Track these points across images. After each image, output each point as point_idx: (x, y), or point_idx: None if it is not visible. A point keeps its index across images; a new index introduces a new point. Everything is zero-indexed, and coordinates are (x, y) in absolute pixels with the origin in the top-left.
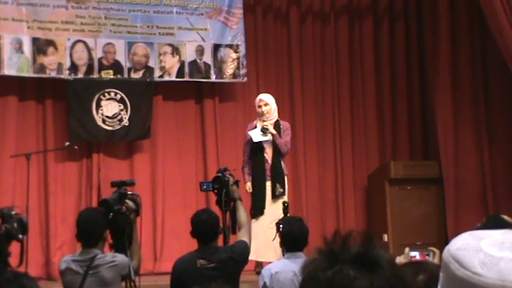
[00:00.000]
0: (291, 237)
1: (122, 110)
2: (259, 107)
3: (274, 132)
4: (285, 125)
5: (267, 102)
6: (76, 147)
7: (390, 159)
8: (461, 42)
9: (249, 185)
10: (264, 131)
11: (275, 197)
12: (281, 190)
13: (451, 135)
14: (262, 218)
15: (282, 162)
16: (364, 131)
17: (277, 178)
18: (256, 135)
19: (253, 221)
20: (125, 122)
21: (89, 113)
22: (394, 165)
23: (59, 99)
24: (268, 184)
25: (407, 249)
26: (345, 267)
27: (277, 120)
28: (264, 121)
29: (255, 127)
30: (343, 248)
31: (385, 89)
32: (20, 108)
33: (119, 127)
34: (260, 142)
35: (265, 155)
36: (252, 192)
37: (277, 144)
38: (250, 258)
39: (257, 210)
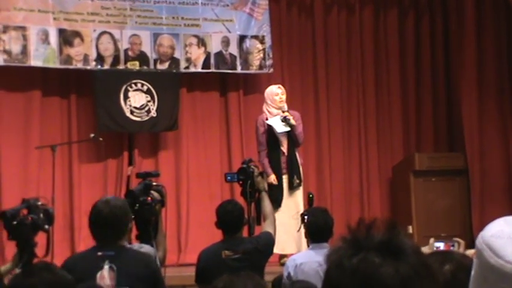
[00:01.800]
0: (316, 228)
1: (149, 101)
2: (277, 94)
3: (294, 122)
4: (295, 114)
5: (284, 91)
6: (101, 138)
7: (415, 151)
8: (486, 34)
9: (273, 177)
10: (287, 121)
11: (292, 188)
12: (298, 181)
13: (476, 127)
14: (280, 210)
15: (297, 153)
16: (389, 123)
17: (294, 170)
18: (278, 126)
19: None
20: (153, 113)
21: (117, 104)
22: (419, 157)
23: (84, 92)
24: (285, 177)
25: (432, 240)
26: (369, 255)
27: (287, 110)
28: (284, 111)
29: (267, 119)
30: (368, 236)
31: (410, 80)
32: (45, 100)
33: (147, 118)
34: (275, 134)
35: (281, 147)
36: (269, 185)
37: (295, 135)
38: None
39: (274, 203)
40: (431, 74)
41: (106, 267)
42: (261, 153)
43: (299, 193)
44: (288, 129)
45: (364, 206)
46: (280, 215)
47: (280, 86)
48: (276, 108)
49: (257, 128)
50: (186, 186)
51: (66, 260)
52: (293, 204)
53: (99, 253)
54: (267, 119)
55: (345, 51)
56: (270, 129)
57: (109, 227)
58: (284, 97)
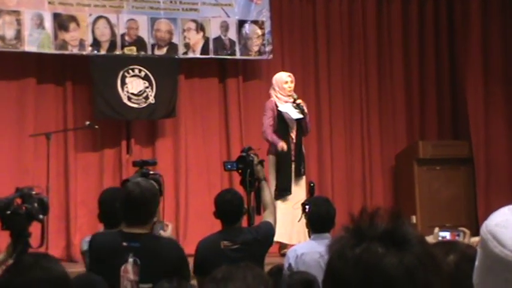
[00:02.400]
0: (318, 218)
1: (147, 87)
2: (286, 83)
3: (306, 111)
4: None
5: (293, 79)
6: (96, 126)
7: (418, 139)
8: (492, 21)
9: (282, 143)
10: (300, 108)
11: (300, 175)
12: (303, 170)
13: (482, 114)
14: (289, 198)
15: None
16: (392, 110)
17: (301, 158)
18: (293, 112)
19: (279, 202)
20: (151, 100)
21: (113, 90)
22: (423, 145)
23: (80, 78)
24: (292, 165)
25: (436, 229)
26: (373, 245)
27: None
28: (296, 98)
29: (276, 106)
30: (371, 225)
31: (413, 67)
32: (40, 87)
33: (144, 105)
34: (285, 121)
35: (291, 134)
36: (278, 172)
37: (306, 123)
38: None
39: (284, 190)
40: (435, 60)
41: (130, 260)
42: (267, 130)
43: (303, 182)
44: (302, 116)
45: (366, 196)
46: (284, 203)
47: (290, 74)
48: (284, 96)
49: (266, 111)
50: (185, 175)
51: (92, 241)
52: (298, 194)
53: (125, 243)
54: (277, 106)
55: (347, 37)
56: (280, 116)
57: (140, 208)
58: (293, 86)
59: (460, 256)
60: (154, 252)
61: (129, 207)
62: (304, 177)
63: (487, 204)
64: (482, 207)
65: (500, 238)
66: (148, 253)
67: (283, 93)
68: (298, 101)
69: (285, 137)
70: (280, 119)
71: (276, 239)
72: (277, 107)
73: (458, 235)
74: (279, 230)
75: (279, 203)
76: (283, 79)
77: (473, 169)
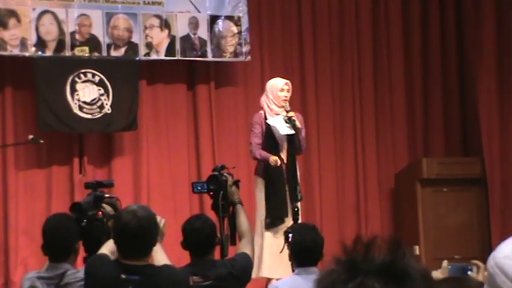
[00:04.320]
0: (303, 248)
1: (102, 94)
2: (282, 91)
3: (299, 126)
4: (298, 116)
5: (291, 88)
6: (42, 141)
7: (422, 156)
8: (507, 17)
9: (274, 158)
10: (291, 122)
11: (295, 201)
12: (300, 194)
13: (496, 126)
14: (280, 227)
15: (296, 162)
16: (391, 122)
17: (295, 181)
18: (281, 127)
19: (268, 232)
20: (107, 109)
21: (61, 98)
22: (427, 162)
23: (22, 84)
24: (286, 189)
25: (445, 263)
26: (368, 280)
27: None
28: (288, 111)
29: (265, 118)
30: (366, 257)
31: (416, 70)
32: None
33: (99, 115)
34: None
35: (281, 153)
36: (268, 197)
37: (299, 140)
38: (263, 274)
39: (277, 218)
40: (441, 63)
41: None
42: (254, 149)
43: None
44: (292, 132)
45: (361, 222)
46: (278, 234)
47: (288, 82)
48: (277, 106)
49: (253, 126)
50: (146, 198)
51: (88, 272)
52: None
53: (123, 276)
54: (266, 118)
55: (337, 36)
56: (268, 131)
57: (136, 241)
58: (289, 96)
59: None
60: (154, 285)
61: (125, 241)
62: (299, 204)
63: (503, 232)
64: (497, 236)
65: (509, 272)
66: (148, 286)
67: (277, 103)
68: (290, 114)
69: (274, 155)
70: (269, 135)
71: (264, 274)
72: (266, 119)
73: (470, 270)
74: (269, 264)
75: (268, 234)
76: (279, 86)
77: (486, 190)
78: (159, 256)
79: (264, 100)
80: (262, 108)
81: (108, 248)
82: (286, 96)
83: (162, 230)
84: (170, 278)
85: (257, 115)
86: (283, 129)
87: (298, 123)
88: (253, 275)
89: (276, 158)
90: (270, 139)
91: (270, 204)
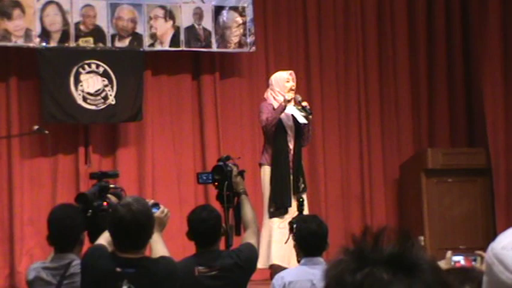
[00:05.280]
0: (308, 238)
1: (106, 85)
2: (288, 81)
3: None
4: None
5: (295, 77)
6: (47, 131)
7: (427, 146)
8: None
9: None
10: (306, 111)
11: (298, 192)
12: (303, 185)
13: (502, 116)
14: (285, 217)
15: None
16: (396, 112)
17: (300, 170)
18: (299, 116)
19: (275, 220)
20: (111, 100)
21: (66, 90)
22: (432, 152)
23: (27, 74)
24: (291, 179)
25: (449, 253)
26: (377, 270)
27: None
28: (301, 100)
29: (273, 109)
30: (375, 247)
31: (420, 61)
32: None
33: (103, 106)
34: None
35: (289, 143)
36: (273, 185)
37: (308, 131)
38: (271, 262)
39: (281, 206)
40: (446, 53)
41: (125, 287)
42: (266, 117)
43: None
44: (305, 121)
45: (366, 213)
46: (283, 223)
47: (291, 72)
48: (285, 95)
49: (263, 107)
50: (151, 189)
51: (83, 265)
52: (294, 212)
53: (118, 269)
54: (274, 109)
55: (342, 27)
56: (277, 120)
57: (132, 235)
58: (294, 86)
59: (478, 286)
60: (150, 278)
61: (121, 234)
62: (305, 192)
63: (508, 222)
64: (502, 226)
65: (507, 263)
66: (144, 279)
67: (284, 95)
68: (304, 103)
69: (281, 146)
70: (278, 124)
71: (273, 262)
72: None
73: (474, 260)
74: (276, 253)
75: (275, 221)
76: (284, 77)
77: (492, 181)
78: (157, 246)
79: (269, 94)
80: (267, 98)
81: (105, 238)
82: (293, 86)
83: (164, 220)
84: (166, 269)
85: (266, 102)
86: (300, 118)
87: (310, 114)
88: (262, 264)
89: (284, 100)
90: (278, 129)
91: (274, 193)
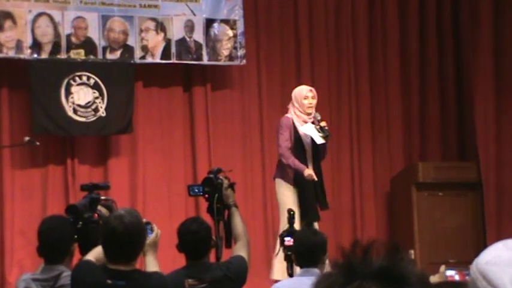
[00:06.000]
0: (305, 248)
1: (96, 97)
2: (306, 98)
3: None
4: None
5: (315, 95)
6: (38, 143)
7: (418, 160)
8: (505, 19)
9: (310, 171)
10: (324, 132)
11: (326, 208)
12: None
13: (493, 130)
14: None
15: None
16: (387, 126)
17: (323, 187)
18: (316, 136)
19: None
20: (102, 113)
21: (56, 101)
22: (423, 166)
23: (18, 86)
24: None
25: (443, 267)
26: (366, 283)
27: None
28: (320, 120)
29: (293, 124)
30: (364, 261)
31: (412, 74)
32: None
33: (94, 118)
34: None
35: (307, 162)
36: (300, 204)
37: (325, 150)
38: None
39: (310, 224)
40: (438, 65)
41: None
42: (286, 153)
43: None
44: (323, 141)
45: (356, 226)
46: None
47: (312, 89)
48: (303, 114)
49: (281, 128)
50: (142, 201)
51: (74, 277)
52: None
53: (109, 281)
54: (294, 125)
55: (333, 40)
56: (296, 137)
57: (123, 247)
58: (314, 103)
59: None
60: None
61: (112, 246)
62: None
63: (499, 236)
64: (493, 240)
65: (491, 278)
66: None
67: (301, 111)
68: (323, 124)
69: (302, 163)
70: (297, 142)
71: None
72: (295, 126)
73: (468, 274)
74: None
75: None
76: (303, 94)
77: (482, 195)
78: (152, 268)
79: (291, 107)
80: (288, 113)
81: (93, 254)
82: (311, 103)
83: (156, 241)
84: (157, 283)
85: (285, 118)
86: (317, 138)
87: (328, 136)
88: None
89: (311, 172)
90: (298, 146)
91: (302, 212)
